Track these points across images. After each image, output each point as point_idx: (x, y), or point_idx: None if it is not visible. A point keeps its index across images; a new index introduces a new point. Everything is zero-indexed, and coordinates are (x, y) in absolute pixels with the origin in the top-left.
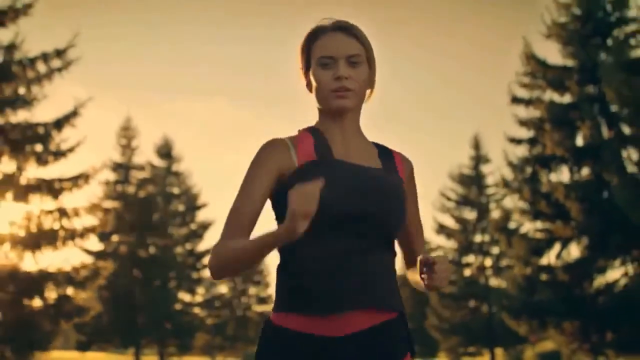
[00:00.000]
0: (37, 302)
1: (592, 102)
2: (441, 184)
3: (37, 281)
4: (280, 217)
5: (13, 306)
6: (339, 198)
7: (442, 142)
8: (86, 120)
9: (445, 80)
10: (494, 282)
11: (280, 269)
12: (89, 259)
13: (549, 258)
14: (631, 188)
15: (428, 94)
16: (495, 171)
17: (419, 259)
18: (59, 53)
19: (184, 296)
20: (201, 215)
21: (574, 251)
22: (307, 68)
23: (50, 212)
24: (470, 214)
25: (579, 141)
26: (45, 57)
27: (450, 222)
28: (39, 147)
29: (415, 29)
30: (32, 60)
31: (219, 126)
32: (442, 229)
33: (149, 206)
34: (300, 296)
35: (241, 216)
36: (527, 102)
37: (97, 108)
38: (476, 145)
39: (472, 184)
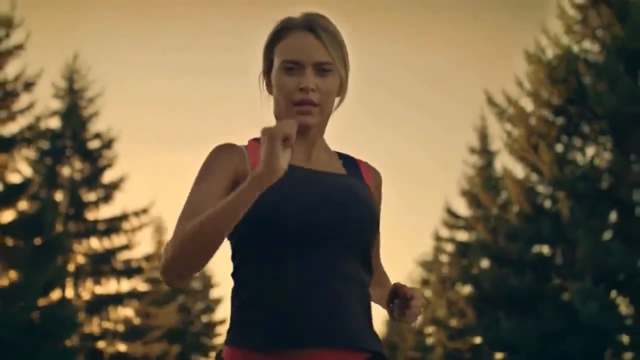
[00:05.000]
0: None
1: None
2: (409, 268)
3: None
4: (235, 236)
5: None
6: (299, 207)
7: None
8: None
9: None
10: None
11: (233, 294)
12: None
13: (459, 343)
14: None
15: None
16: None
17: (392, 286)
18: (145, 211)
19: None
20: (214, 293)
21: (477, 339)
22: (269, 68)
23: (137, 312)
24: (429, 293)
25: (475, 269)
26: (136, 214)
27: None
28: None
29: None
30: (126, 217)
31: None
32: None
33: (178, 289)
34: (251, 330)
35: (198, 206)
36: (447, 240)
37: None
38: (437, 238)
39: (432, 270)
